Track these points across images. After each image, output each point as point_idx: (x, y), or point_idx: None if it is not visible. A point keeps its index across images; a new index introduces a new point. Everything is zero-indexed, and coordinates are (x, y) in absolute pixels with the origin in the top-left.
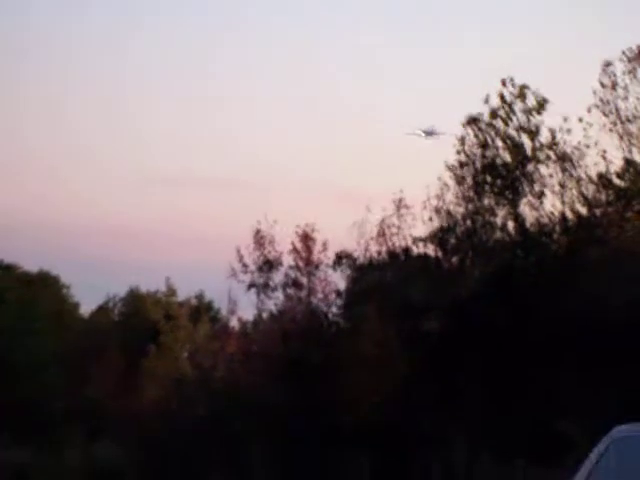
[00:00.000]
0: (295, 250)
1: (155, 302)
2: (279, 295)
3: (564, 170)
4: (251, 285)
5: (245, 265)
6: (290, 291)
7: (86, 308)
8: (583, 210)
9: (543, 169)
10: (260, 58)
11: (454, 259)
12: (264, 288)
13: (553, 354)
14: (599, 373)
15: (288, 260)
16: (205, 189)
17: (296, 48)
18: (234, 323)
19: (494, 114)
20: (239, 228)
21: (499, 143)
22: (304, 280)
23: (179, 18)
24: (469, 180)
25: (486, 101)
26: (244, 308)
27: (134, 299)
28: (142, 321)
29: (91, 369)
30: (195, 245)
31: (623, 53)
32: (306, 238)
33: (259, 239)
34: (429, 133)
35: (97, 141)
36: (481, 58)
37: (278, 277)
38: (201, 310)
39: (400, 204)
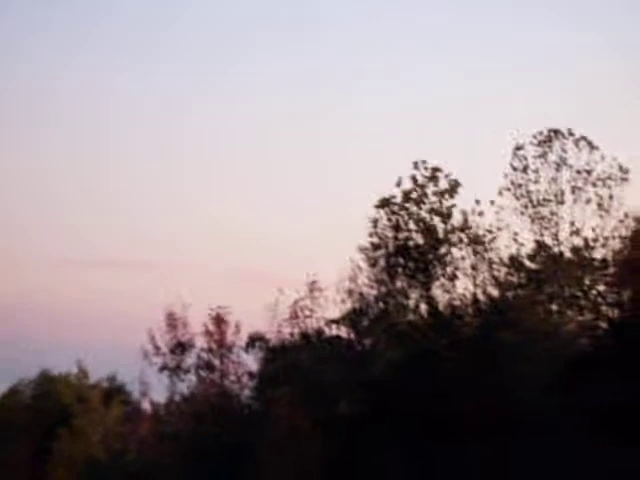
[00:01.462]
0: (208, 332)
1: (67, 384)
2: (192, 377)
3: (476, 253)
4: (163, 367)
5: (157, 347)
6: (203, 373)
7: None
8: (495, 292)
9: (455, 251)
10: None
11: (367, 341)
12: (176, 370)
13: (468, 431)
14: (511, 448)
15: (201, 342)
16: (118, 271)
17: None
18: (146, 405)
19: (407, 196)
20: (152, 310)
21: (412, 225)
22: (217, 362)
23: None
24: (382, 262)
25: (398, 184)
26: (156, 390)
27: (45, 381)
28: (53, 404)
29: (1, 453)
30: (108, 327)
31: (534, 137)
32: (219, 320)
33: (172, 321)
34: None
35: (9, 221)
36: (394, 141)
37: (190, 359)
38: (113, 392)
39: (313, 286)
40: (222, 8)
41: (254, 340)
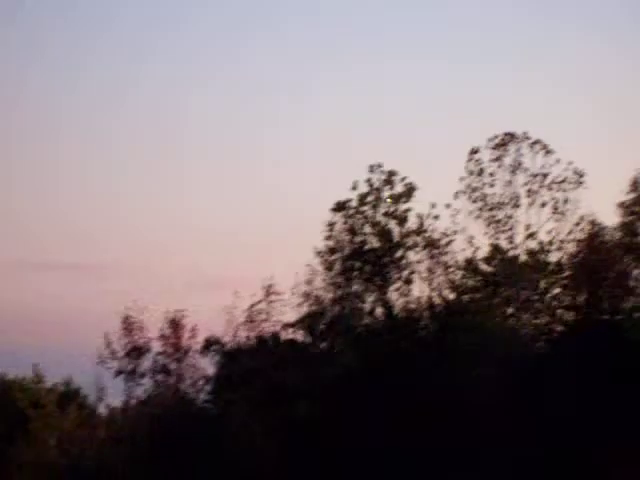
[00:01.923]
0: (164, 336)
1: (22, 389)
2: (148, 381)
3: (432, 256)
4: (119, 371)
5: (113, 351)
6: (159, 377)
7: None
8: (451, 296)
9: (411, 255)
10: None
11: (323, 344)
12: (132, 374)
13: (424, 432)
14: (469, 451)
15: (157, 346)
16: (74, 274)
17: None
18: (102, 410)
19: (363, 200)
20: (109, 314)
21: (367, 229)
22: (173, 366)
23: None
24: (338, 266)
25: (354, 187)
26: (113, 394)
27: (1, 386)
28: (9, 408)
29: None
30: (63, 331)
31: (489, 140)
32: (175, 324)
33: (128, 325)
34: None
35: None
36: (350, 145)
37: (147, 363)
38: (69, 397)
39: (269, 290)
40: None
41: (210, 344)
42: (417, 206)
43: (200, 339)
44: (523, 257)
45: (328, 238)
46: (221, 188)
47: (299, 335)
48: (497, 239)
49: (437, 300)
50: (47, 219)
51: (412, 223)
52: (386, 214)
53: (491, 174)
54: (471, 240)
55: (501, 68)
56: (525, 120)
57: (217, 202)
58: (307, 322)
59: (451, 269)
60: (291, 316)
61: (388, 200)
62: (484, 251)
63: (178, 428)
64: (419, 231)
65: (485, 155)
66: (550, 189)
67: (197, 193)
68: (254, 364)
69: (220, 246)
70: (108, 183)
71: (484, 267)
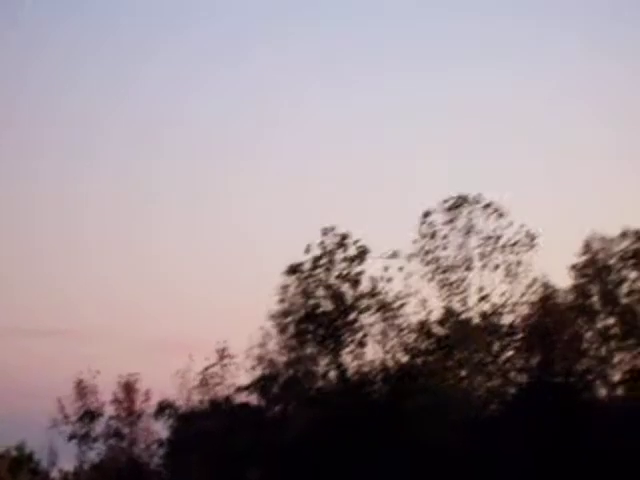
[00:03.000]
0: (117, 400)
1: None
2: (101, 445)
3: (385, 319)
4: (72, 436)
5: (66, 416)
6: (112, 441)
7: None
8: (404, 359)
9: (364, 318)
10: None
11: (277, 407)
12: (85, 439)
13: None
14: None
15: (110, 410)
16: (26, 339)
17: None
18: (55, 474)
19: (316, 263)
20: (61, 378)
21: (321, 292)
22: (126, 430)
23: None
24: (291, 329)
25: (307, 250)
26: (65, 459)
27: None
28: None
29: None
30: (16, 395)
31: (442, 203)
32: (128, 388)
33: (81, 389)
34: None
35: None
36: (302, 208)
37: (100, 427)
38: (22, 461)
39: (223, 353)
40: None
41: (163, 407)
42: (370, 269)
43: (153, 403)
44: (476, 320)
45: (281, 301)
46: (177, 253)
47: (253, 398)
48: (450, 302)
49: (390, 363)
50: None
51: (365, 286)
52: (339, 277)
53: (444, 237)
54: (424, 303)
55: (454, 129)
56: (478, 182)
57: (172, 266)
58: (260, 385)
59: (404, 332)
60: (244, 379)
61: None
62: (437, 314)
63: None
64: (372, 294)
65: (438, 218)
66: (503, 252)
67: (153, 258)
68: (207, 427)
69: (175, 310)
70: (67, 249)
71: (437, 330)
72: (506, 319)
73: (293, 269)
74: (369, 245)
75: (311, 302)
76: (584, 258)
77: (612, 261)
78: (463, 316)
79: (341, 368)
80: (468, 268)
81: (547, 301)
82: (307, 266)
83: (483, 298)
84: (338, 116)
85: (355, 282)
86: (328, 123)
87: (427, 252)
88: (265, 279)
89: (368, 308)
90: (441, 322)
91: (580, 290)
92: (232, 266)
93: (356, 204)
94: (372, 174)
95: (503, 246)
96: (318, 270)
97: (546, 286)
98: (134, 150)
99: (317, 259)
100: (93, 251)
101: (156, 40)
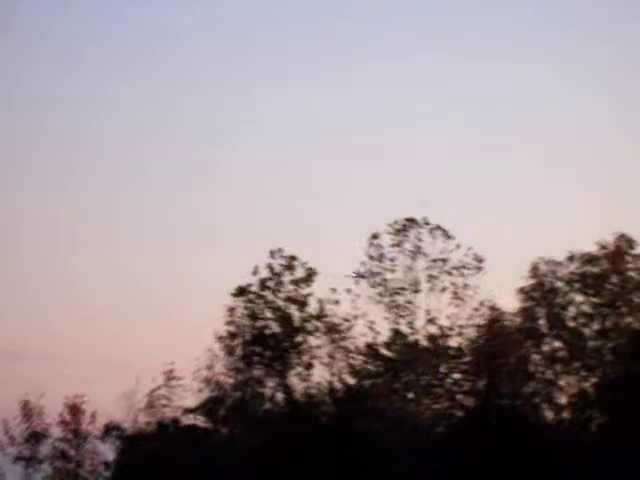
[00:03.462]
0: (63, 421)
1: None
2: (47, 467)
3: (332, 341)
4: (18, 457)
5: (12, 437)
6: (58, 463)
7: None
8: (352, 381)
9: (312, 340)
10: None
11: (224, 430)
12: (31, 460)
13: None
14: None
15: (56, 432)
16: None
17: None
18: None
19: (263, 285)
20: (6, 400)
21: (268, 314)
22: (72, 452)
23: None
24: (239, 351)
25: (255, 272)
26: None
27: None
28: None
29: None
30: None
31: (390, 225)
32: (75, 409)
33: (26, 411)
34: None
35: None
36: (249, 230)
37: (46, 449)
38: None
39: (170, 375)
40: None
41: (110, 429)
42: (317, 290)
43: (100, 424)
44: (423, 342)
45: (229, 323)
46: (122, 274)
47: (200, 420)
48: (398, 324)
49: (337, 385)
50: None
51: (313, 308)
52: (287, 299)
53: (391, 259)
54: (372, 325)
55: (400, 150)
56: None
57: (118, 287)
58: (208, 407)
59: (352, 354)
60: (192, 401)
61: None
62: (385, 336)
63: None
64: (320, 316)
65: (385, 240)
66: (450, 274)
67: (102, 278)
68: (154, 449)
69: (122, 332)
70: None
71: (385, 352)
72: (453, 342)
73: (241, 291)
74: (317, 267)
75: (259, 324)
76: (531, 281)
77: (559, 284)
78: (410, 338)
79: (288, 390)
80: (415, 291)
81: (494, 324)
82: (255, 288)
83: (430, 321)
84: (292, 135)
85: (303, 304)
86: (281, 143)
87: (375, 274)
88: (213, 301)
89: (316, 330)
90: (388, 344)
91: (527, 313)
92: (179, 287)
93: (304, 226)
94: (318, 196)
95: (450, 269)
96: (266, 292)
97: (493, 309)
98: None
99: (265, 281)
100: (32, 271)
101: None
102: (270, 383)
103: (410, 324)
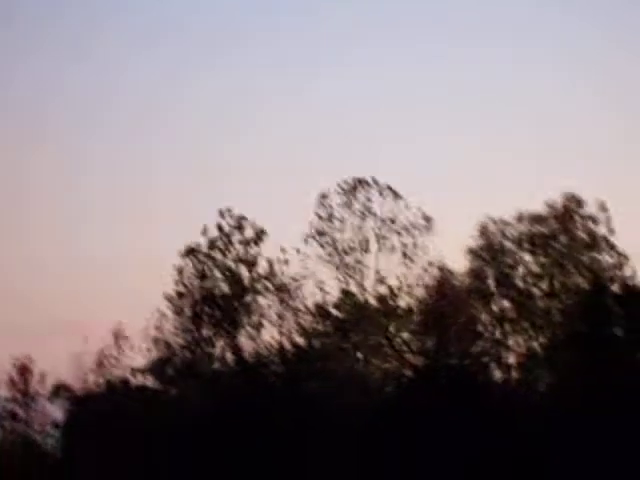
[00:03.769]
0: (12, 382)
1: None
2: None
3: (282, 301)
4: None
5: None
6: (6, 423)
7: None
8: (301, 341)
9: (261, 300)
10: None
11: (173, 390)
12: None
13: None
14: None
15: (4, 392)
16: None
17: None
18: None
19: (212, 245)
20: None
21: (217, 274)
22: (21, 412)
23: None
24: (188, 311)
25: (204, 232)
26: None
27: None
28: None
29: None
30: None
31: (339, 185)
32: (23, 370)
33: None
34: None
35: None
36: (199, 189)
37: None
38: None
39: (119, 335)
40: None
41: (59, 389)
42: (267, 251)
43: (49, 385)
44: (373, 302)
45: (178, 283)
46: (72, 233)
47: (149, 381)
48: (347, 284)
49: (287, 345)
50: None
51: (262, 268)
52: (236, 259)
53: (341, 219)
54: (321, 285)
55: (353, 111)
56: (374, 165)
57: (67, 247)
58: (157, 367)
59: (301, 314)
60: (141, 361)
61: None
62: (334, 296)
63: (27, 475)
64: (269, 276)
65: (335, 200)
66: (399, 234)
67: (50, 239)
68: (103, 410)
69: (69, 290)
70: None
71: (334, 312)
72: (403, 302)
73: (189, 251)
74: (266, 227)
75: (208, 284)
76: (480, 241)
77: (507, 244)
78: (360, 298)
79: (238, 350)
80: (365, 250)
81: (443, 284)
82: (204, 248)
83: (380, 280)
84: (240, 98)
85: (252, 264)
86: (229, 105)
87: (324, 234)
88: (161, 260)
89: (265, 290)
90: (338, 304)
91: (476, 273)
92: (127, 246)
93: (253, 186)
94: (268, 156)
95: (399, 229)
96: (215, 252)
97: (442, 269)
98: None
99: (214, 241)
100: None
101: None
102: (219, 343)
103: (359, 284)
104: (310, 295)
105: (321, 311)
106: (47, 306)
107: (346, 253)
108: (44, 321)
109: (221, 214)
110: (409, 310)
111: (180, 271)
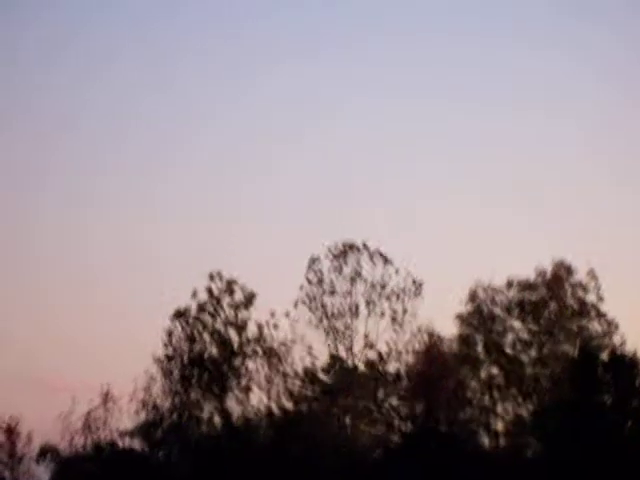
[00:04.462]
0: None
1: None
2: None
3: (271, 365)
4: None
5: None
6: None
7: None
8: (289, 405)
9: (250, 364)
10: None
11: (160, 453)
12: None
13: None
14: None
15: None
16: None
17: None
18: None
19: (202, 308)
20: None
21: (207, 337)
22: (7, 474)
23: None
24: (176, 373)
25: (194, 295)
26: None
27: None
28: None
29: None
30: None
31: (329, 249)
32: (10, 431)
33: None
34: None
35: None
36: (189, 251)
37: None
38: None
39: (107, 397)
40: None
41: (46, 451)
42: (256, 314)
43: (36, 446)
44: (361, 367)
45: (167, 345)
46: (64, 290)
47: (136, 443)
48: (336, 348)
49: (275, 409)
50: None
51: (251, 332)
52: (225, 322)
53: (330, 283)
54: (310, 349)
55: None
56: (365, 230)
57: (59, 306)
58: (144, 430)
59: (289, 378)
60: (129, 423)
61: None
62: (323, 360)
63: None
64: (258, 339)
65: (325, 264)
66: (389, 299)
67: (42, 295)
68: (90, 472)
69: (60, 351)
70: None
71: (323, 376)
72: (391, 367)
73: (179, 314)
74: (256, 290)
75: (197, 347)
76: (469, 307)
77: (497, 310)
78: (349, 363)
79: (226, 413)
80: (354, 315)
81: (432, 349)
82: (193, 311)
83: (368, 345)
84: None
85: (241, 328)
86: (220, 169)
87: (313, 298)
88: (151, 323)
89: (254, 354)
90: (326, 369)
91: (465, 339)
92: (117, 308)
93: (244, 249)
94: (262, 220)
95: (389, 294)
96: (204, 315)
97: (431, 334)
98: None
99: (203, 304)
100: None
101: None
102: (208, 406)
103: (348, 349)
104: (299, 359)
105: (310, 376)
106: (37, 365)
107: (335, 318)
108: (33, 380)
109: (211, 277)
110: (398, 375)
111: (169, 334)
